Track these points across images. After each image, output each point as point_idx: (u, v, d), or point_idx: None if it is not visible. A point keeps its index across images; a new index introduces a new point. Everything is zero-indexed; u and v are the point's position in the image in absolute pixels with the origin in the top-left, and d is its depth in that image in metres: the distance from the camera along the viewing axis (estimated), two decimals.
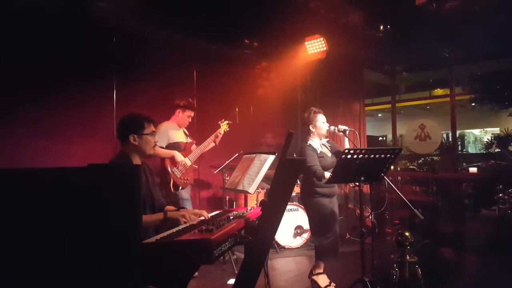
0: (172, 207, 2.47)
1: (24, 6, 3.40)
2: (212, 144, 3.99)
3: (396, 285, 2.85)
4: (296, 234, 4.95)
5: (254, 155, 2.71)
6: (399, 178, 6.60)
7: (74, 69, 3.85)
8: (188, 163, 3.81)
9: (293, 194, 4.85)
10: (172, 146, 3.78)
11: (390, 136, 9.90)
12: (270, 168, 2.47)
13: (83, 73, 3.94)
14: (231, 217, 2.12)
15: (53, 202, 1.17)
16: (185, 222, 2.12)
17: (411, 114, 11.60)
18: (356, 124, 6.31)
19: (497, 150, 5.51)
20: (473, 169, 6.20)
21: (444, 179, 5.78)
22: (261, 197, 4.70)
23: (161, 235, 1.82)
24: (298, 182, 3.98)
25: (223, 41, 5.29)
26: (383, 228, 5.02)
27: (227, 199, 5.12)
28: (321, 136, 3.47)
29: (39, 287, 1.18)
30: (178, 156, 3.71)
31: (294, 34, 5.41)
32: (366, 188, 2.96)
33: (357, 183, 2.86)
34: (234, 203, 5.14)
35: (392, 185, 3.06)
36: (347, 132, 3.38)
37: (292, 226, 4.94)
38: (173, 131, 3.86)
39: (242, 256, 3.17)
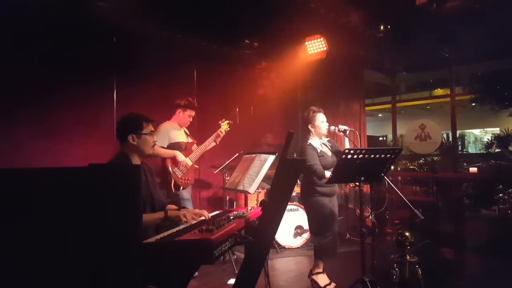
0: (173, 206, 2.48)
1: (24, 6, 3.40)
2: (213, 144, 3.99)
3: (396, 285, 2.84)
4: (296, 234, 4.95)
5: (254, 155, 2.71)
6: (399, 178, 6.59)
7: (74, 69, 3.86)
8: (189, 163, 3.80)
9: (293, 194, 4.85)
10: (173, 146, 3.78)
11: (390, 136, 9.89)
12: (270, 168, 2.48)
13: (83, 73, 3.94)
14: (231, 217, 2.12)
15: (53, 202, 1.17)
16: (185, 222, 2.12)
17: (411, 114, 11.61)
18: (356, 124, 6.30)
19: (497, 150, 5.50)
20: (473, 169, 6.19)
21: (444, 179, 5.77)
22: (261, 197, 4.70)
23: (161, 235, 1.82)
24: (298, 182, 3.98)
25: (223, 41, 5.29)
26: (383, 228, 5.01)
27: (227, 199, 5.12)
28: (321, 135, 3.46)
29: (39, 287, 1.18)
30: (180, 156, 3.71)
31: (294, 34, 5.41)
32: (366, 188, 2.96)
33: (357, 183, 2.86)
34: (235, 203, 5.14)
35: (392, 185, 3.06)
36: (347, 132, 3.38)
37: (292, 226, 4.95)
38: (174, 131, 3.85)
39: (242, 256, 3.17)
